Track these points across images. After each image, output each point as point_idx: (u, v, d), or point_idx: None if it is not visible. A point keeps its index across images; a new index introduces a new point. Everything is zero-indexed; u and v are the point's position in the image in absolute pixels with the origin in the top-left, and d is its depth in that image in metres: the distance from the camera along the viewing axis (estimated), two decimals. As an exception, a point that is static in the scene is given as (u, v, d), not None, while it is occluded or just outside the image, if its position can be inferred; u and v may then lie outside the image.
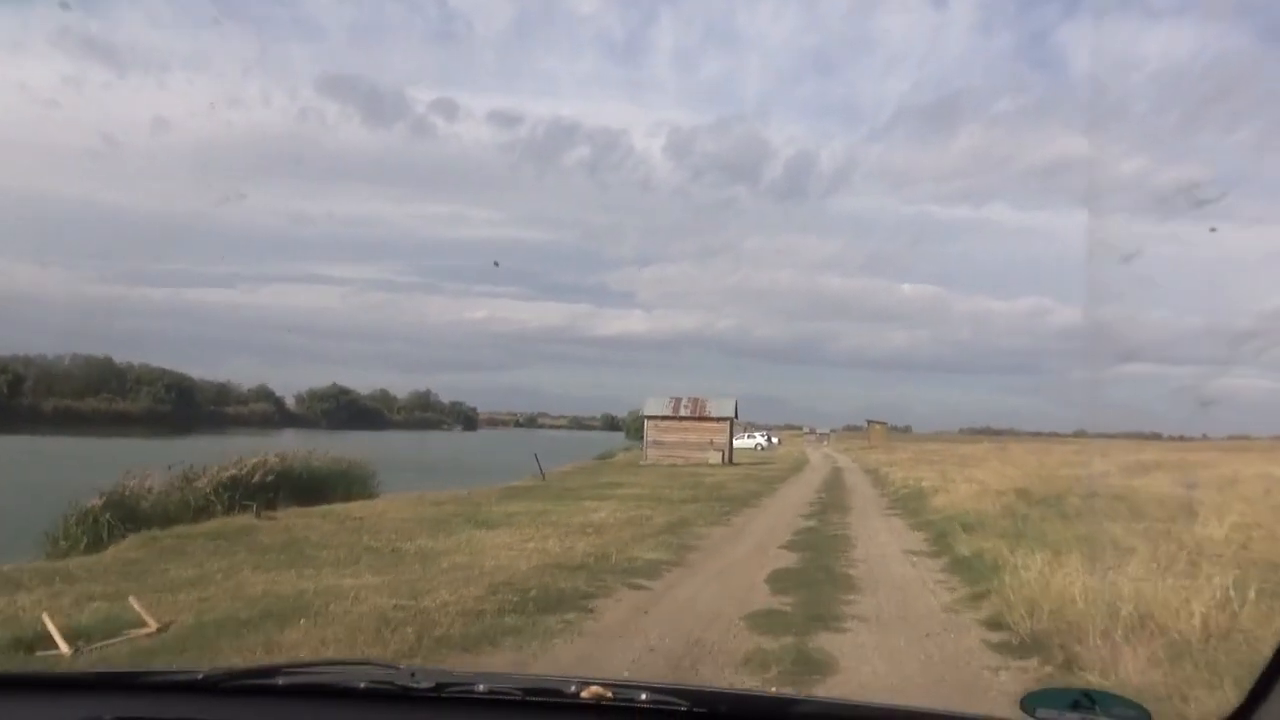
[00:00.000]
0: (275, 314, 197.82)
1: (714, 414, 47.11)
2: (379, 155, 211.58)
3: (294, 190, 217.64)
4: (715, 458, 44.52)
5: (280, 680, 2.04)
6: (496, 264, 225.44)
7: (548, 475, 36.90)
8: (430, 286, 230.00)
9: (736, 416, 50.03)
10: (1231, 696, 4.19)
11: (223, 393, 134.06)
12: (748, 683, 6.64)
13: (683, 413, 47.20)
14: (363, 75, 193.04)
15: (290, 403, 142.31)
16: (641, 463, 46.29)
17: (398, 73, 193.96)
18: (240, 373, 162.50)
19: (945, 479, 28.76)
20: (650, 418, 47.40)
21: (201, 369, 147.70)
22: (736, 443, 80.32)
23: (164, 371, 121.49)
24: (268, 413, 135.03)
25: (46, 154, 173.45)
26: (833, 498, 25.06)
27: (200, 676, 2.04)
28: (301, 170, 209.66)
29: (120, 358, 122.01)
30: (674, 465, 44.67)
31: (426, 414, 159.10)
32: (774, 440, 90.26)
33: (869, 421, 74.88)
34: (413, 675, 2.01)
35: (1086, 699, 1.86)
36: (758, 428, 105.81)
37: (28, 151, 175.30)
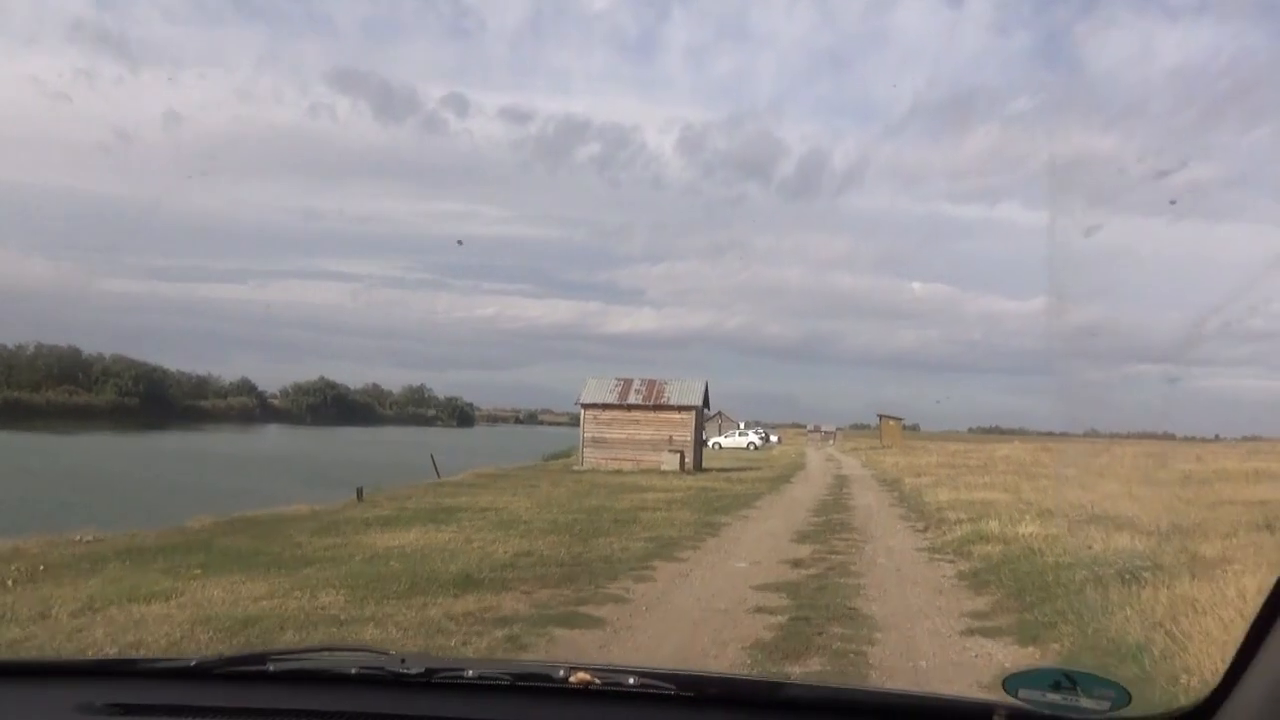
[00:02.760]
0: (285, 310, 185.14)
1: (674, 402, 32.65)
2: (390, 151, 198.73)
3: (305, 186, 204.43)
4: (671, 462, 30.01)
5: (271, 666, 1.91)
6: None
7: (421, 485, 24.28)
8: (439, 283, 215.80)
9: (708, 406, 35.53)
10: None
11: (201, 386, 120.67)
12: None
13: (633, 399, 32.80)
14: (374, 71, 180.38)
15: (274, 397, 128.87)
16: (575, 467, 32.00)
17: (409, 68, 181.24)
18: (249, 369, 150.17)
19: (1042, 510, 14.29)
20: (589, 406, 33.03)
21: (210, 365, 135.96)
22: (725, 441, 65.84)
23: (132, 363, 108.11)
24: (248, 407, 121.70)
25: (58, 148, 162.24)
26: (824, 571, 10.30)
27: (193, 663, 1.95)
28: (312, 166, 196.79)
29: (130, 353, 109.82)
30: (618, 470, 30.41)
31: (420, 409, 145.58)
32: (772, 439, 75.67)
33: (881, 416, 59.97)
34: (403, 661, 1.89)
35: (1067, 679, 1.70)
36: (764, 425, 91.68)
37: (39, 146, 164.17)
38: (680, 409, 32.44)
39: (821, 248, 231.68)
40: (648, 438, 32.15)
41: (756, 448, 60.66)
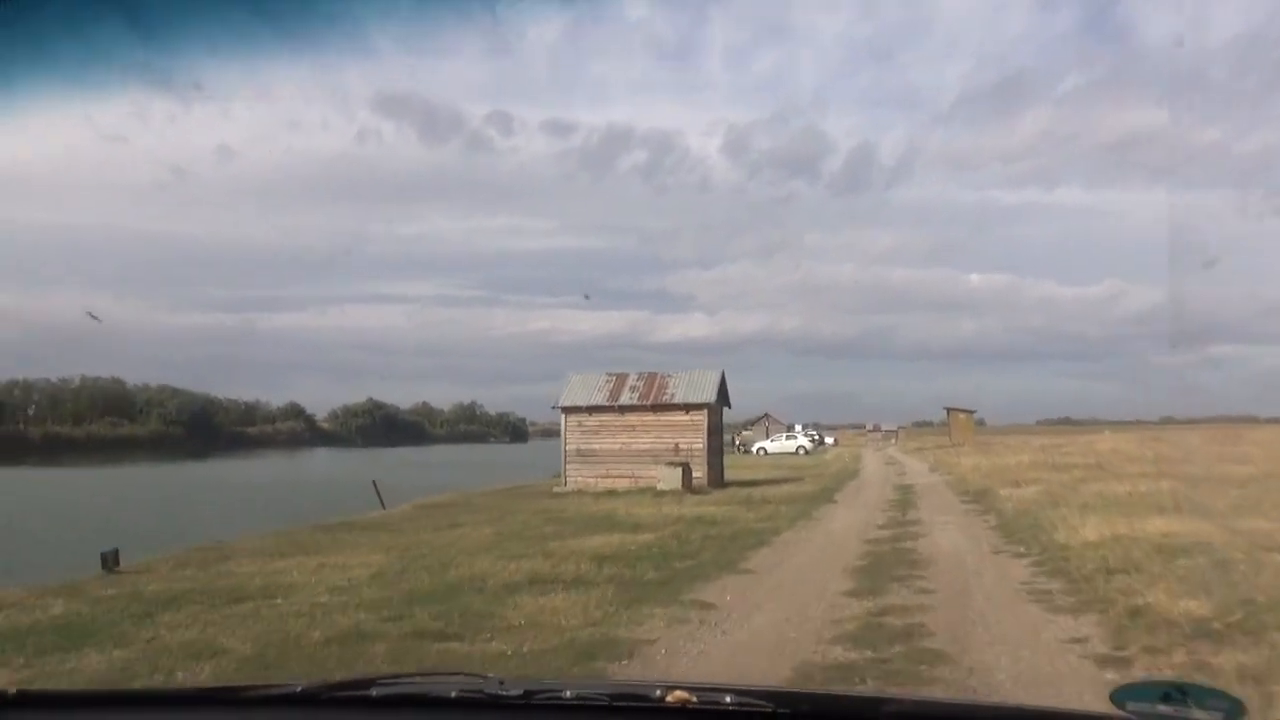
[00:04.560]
0: (343, 335, 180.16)
1: (679, 400, 24.14)
2: (437, 171, 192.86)
3: (357, 211, 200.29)
4: (670, 478, 21.49)
5: (375, 691, 1.88)
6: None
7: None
8: (493, 300, 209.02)
9: (728, 403, 26.85)
10: None
11: (250, 412, 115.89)
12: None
13: (627, 399, 24.43)
14: (417, 93, 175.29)
15: (323, 420, 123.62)
16: (557, 489, 23.85)
17: (452, 89, 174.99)
18: (312, 395, 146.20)
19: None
20: (571, 411, 24.76)
21: (273, 393, 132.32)
22: (771, 445, 56.66)
23: (176, 391, 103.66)
24: (297, 431, 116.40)
25: (116, 189, 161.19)
26: None
27: (299, 689, 1.91)
28: (363, 191, 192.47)
29: (191, 385, 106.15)
30: (610, 490, 22.28)
31: (471, 426, 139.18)
32: (827, 440, 66.36)
33: (949, 410, 50.15)
34: (501, 684, 1.87)
35: (1178, 691, 1.57)
36: (822, 426, 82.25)
37: (98, 188, 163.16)
38: (688, 408, 23.96)
39: (874, 242, 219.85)
40: (647, 447, 23.79)
41: (807, 452, 51.63)
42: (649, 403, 24.11)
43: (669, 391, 24.29)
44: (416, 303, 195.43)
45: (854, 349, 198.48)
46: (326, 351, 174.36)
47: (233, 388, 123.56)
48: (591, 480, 23.76)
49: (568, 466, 24.38)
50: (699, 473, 23.01)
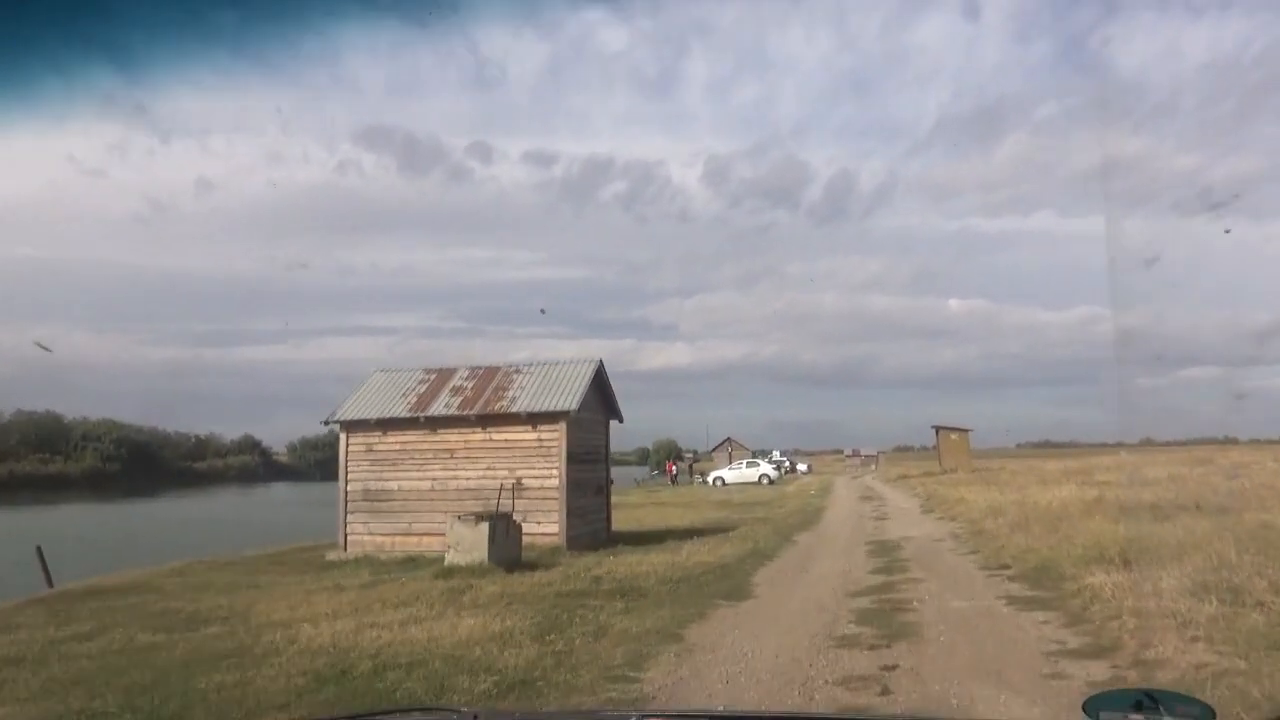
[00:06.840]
0: (324, 367, 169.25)
1: (521, 408, 14.30)
2: (418, 202, 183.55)
3: (337, 243, 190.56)
4: (470, 543, 11.45)
5: None
6: (543, 310, 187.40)
7: None
8: (474, 331, 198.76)
9: (614, 413, 16.86)
10: None
11: (200, 447, 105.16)
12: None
13: (440, 409, 14.59)
14: (399, 126, 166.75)
15: (281, 453, 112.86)
16: (331, 555, 13.95)
17: (433, 121, 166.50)
18: (293, 428, 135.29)
19: None
20: (353, 427, 14.89)
21: (255, 427, 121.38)
22: (730, 475, 46.35)
23: (115, 425, 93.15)
24: (249, 466, 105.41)
25: (95, 223, 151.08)
26: None
27: None
28: (343, 222, 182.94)
29: (171, 423, 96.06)
30: (409, 559, 12.34)
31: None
32: (800, 467, 56.40)
33: (938, 429, 40.41)
34: (475, 717, 1.77)
35: (1149, 699, 1.52)
36: (803, 452, 72.49)
37: (78, 221, 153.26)
38: (534, 420, 14.10)
39: (855, 270, 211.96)
40: (474, 484, 13.96)
41: (771, 481, 41.70)
42: (474, 412, 14.28)
43: (509, 396, 14.48)
44: (398, 334, 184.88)
45: (836, 376, 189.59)
46: (304, 385, 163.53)
47: (202, 424, 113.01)
48: (385, 540, 13.93)
49: (349, 518, 14.44)
50: (548, 527, 13.17)
